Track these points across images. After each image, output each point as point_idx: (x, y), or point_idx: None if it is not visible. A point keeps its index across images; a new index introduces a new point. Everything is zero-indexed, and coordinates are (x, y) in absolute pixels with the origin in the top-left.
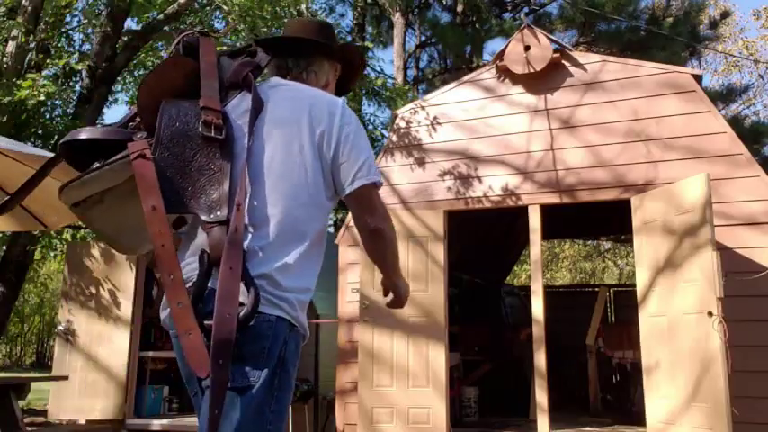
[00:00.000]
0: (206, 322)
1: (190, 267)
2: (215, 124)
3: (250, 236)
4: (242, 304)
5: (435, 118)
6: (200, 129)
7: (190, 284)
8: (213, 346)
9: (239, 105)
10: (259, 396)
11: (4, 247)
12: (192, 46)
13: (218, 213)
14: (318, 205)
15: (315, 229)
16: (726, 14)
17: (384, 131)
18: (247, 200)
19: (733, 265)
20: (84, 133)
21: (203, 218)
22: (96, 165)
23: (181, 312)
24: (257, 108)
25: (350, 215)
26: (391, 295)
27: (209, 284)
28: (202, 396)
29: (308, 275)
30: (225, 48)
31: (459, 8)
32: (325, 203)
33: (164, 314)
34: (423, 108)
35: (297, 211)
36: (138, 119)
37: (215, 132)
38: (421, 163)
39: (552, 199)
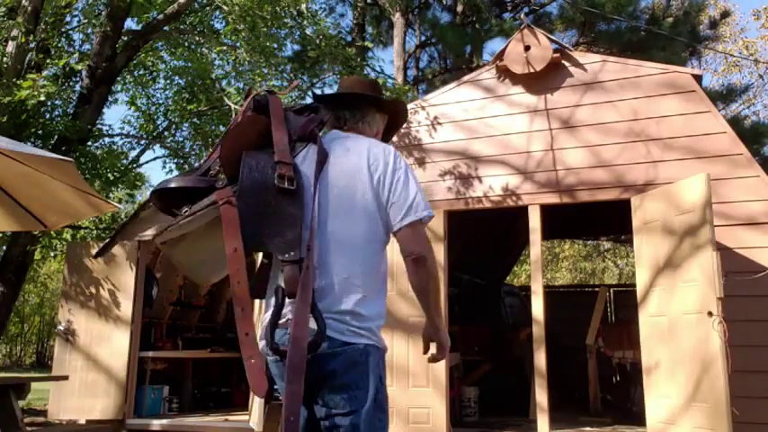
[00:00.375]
0: (281, 348)
1: (269, 302)
2: (287, 176)
3: (320, 275)
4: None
5: (435, 118)
6: (275, 181)
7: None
8: (288, 365)
9: (307, 157)
10: (369, 412)
11: (5, 247)
12: (262, 103)
13: (292, 254)
14: (380, 241)
15: (379, 264)
16: (726, 14)
17: None
18: (317, 242)
19: (733, 265)
20: (174, 182)
21: (279, 257)
22: (185, 209)
23: (246, 342)
24: (322, 160)
25: None
26: (433, 348)
27: (283, 314)
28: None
29: (380, 305)
30: (225, 47)
31: (460, 8)
32: (385, 239)
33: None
34: (423, 108)
35: (363, 251)
36: (216, 167)
37: (287, 184)
38: (421, 163)
39: (552, 199)
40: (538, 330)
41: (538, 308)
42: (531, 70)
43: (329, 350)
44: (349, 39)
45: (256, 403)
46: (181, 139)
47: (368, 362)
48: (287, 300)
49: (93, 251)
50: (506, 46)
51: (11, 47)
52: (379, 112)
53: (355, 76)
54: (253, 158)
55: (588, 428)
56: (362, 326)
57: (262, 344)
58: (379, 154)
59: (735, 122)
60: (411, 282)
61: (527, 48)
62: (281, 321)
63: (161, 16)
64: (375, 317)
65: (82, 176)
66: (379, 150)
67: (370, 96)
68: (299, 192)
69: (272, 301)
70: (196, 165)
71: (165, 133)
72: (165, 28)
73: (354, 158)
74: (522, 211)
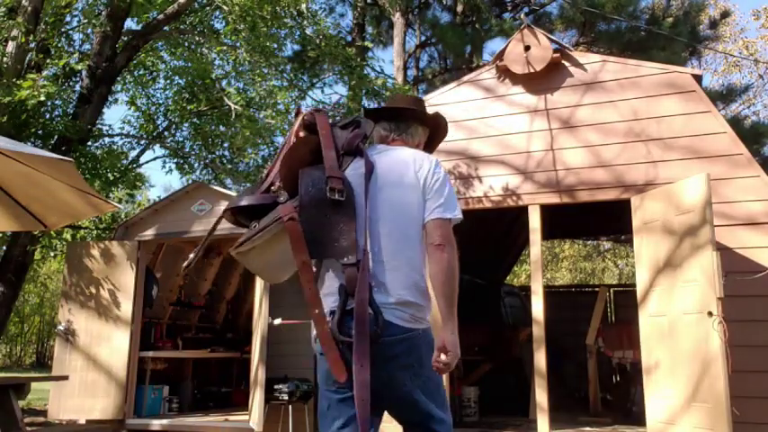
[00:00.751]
0: (347, 339)
1: (329, 301)
2: (338, 189)
3: (380, 272)
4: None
5: None
6: (328, 194)
7: (330, 315)
8: (355, 354)
9: (355, 169)
10: (434, 380)
11: (5, 247)
12: (311, 122)
13: (350, 258)
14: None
15: (424, 257)
16: (726, 14)
17: None
18: (370, 245)
19: (733, 266)
20: (244, 201)
21: (339, 261)
22: (254, 224)
23: (324, 336)
24: (369, 170)
25: None
26: (443, 357)
27: (347, 309)
28: (350, 394)
29: (428, 293)
30: (225, 47)
31: (459, 8)
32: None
33: (312, 337)
34: None
35: (415, 249)
36: (276, 184)
37: (338, 195)
38: None
39: (552, 199)
40: (538, 330)
41: (538, 308)
42: (531, 70)
43: (394, 336)
44: (349, 39)
45: (256, 403)
46: (181, 139)
47: (424, 345)
48: (349, 297)
49: (93, 251)
50: (506, 46)
51: (11, 47)
52: (421, 125)
53: (400, 94)
54: (308, 176)
55: (588, 428)
56: (419, 315)
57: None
58: (423, 161)
59: (735, 122)
60: (431, 271)
61: (527, 48)
62: (345, 316)
63: (161, 16)
64: (427, 305)
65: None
66: (424, 158)
67: (413, 110)
68: (349, 202)
69: (332, 298)
70: (259, 180)
71: (165, 133)
72: (165, 28)
73: (402, 167)
74: (522, 211)
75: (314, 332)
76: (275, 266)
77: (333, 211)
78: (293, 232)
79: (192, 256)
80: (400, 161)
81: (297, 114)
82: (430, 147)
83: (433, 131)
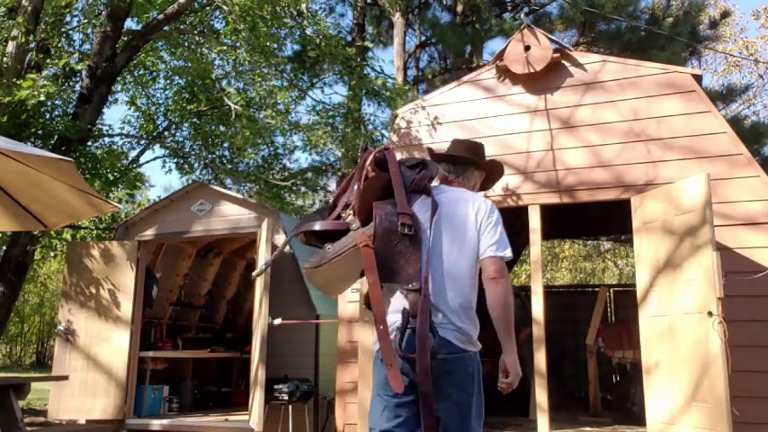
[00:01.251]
0: (409, 355)
1: (391, 319)
2: (408, 224)
3: (440, 299)
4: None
5: (435, 118)
6: (399, 227)
7: (394, 331)
8: (418, 370)
9: (422, 206)
10: (477, 398)
11: (5, 247)
12: (382, 160)
13: (414, 284)
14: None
15: (476, 288)
16: (726, 14)
17: (384, 131)
18: (431, 274)
19: (733, 266)
20: (318, 226)
21: (404, 287)
22: (328, 246)
23: (386, 350)
24: (435, 209)
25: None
26: (509, 377)
27: (409, 329)
28: (422, 412)
29: (477, 320)
30: (225, 47)
31: (459, 8)
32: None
33: (375, 348)
34: (423, 108)
35: (469, 280)
36: (349, 212)
37: (408, 230)
38: None
39: (552, 199)
40: (538, 330)
41: (538, 308)
42: (531, 70)
43: (450, 354)
44: (349, 39)
45: (256, 403)
46: (181, 138)
47: (473, 364)
48: (410, 319)
49: (93, 251)
50: (506, 46)
51: (11, 47)
52: (477, 170)
53: (461, 140)
54: (382, 209)
55: (588, 428)
56: (472, 338)
57: (375, 348)
58: (481, 204)
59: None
60: (489, 301)
61: (527, 48)
62: (407, 333)
63: (161, 16)
64: (474, 330)
65: (82, 176)
66: (481, 201)
67: (471, 159)
68: (417, 235)
69: (395, 317)
70: (328, 205)
71: (165, 133)
72: (165, 28)
73: (462, 209)
74: (522, 211)
75: (377, 345)
76: (335, 283)
77: (402, 243)
78: (368, 258)
79: (262, 266)
80: (460, 202)
81: (365, 150)
82: (485, 186)
83: (488, 174)
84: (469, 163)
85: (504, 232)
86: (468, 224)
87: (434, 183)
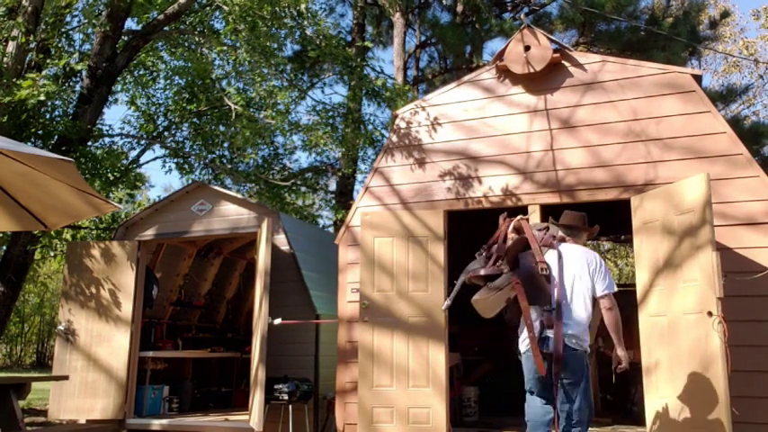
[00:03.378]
0: (545, 351)
1: (535, 325)
2: (544, 268)
3: (566, 318)
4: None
5: (435, 118)
6: (539, 270)
7: (536, 337)
8: (554, 361)
9: (551, 256)
10: (585, 383)
11: (5, 247)
12: (519, 227)
13: (548, 306)
14: (591, 302)
15: (591, 313)
16: (725, 14)
17: (384, 132)
18: (561, 301)
19: (733, 266)
20: (483, 271)
21: (542, 308)
22: (488, 284)
23: (534, 348)
24: (559, 258)
25: (350, 215)
26: (623, 363)
27: (543, 335)
28: (553, 386)
29: (588, 333)
30: (225, 47)
31: (459, 8)
32: (592, 302)
33: (522, 346)
34: (423, 108)
35: (582, 307)
36: (500, 262)
37: (544, 272)
38: (421, 163)
39: (552, 199)
40: None
41: None
42: (531, 70)
43: (570, 352)
44: (349, 39)
45: (256, 403)
46: (181, 138)
47: (584, 359)
48: (545, 330)
49: (94, 251)
50: (506, 46)
51: (11, 47)
52: (584, 231)
53: (571, 212)
54: (524, 259)
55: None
56: (582, 342)
57: (522, 346)
58: (592, 257)
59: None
60: (607, 321)
61: (527, 48)
62: (543, 339)
63: (161, 16)
64: (587, 339)
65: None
66: (592, 256)
67: (582, 226)
68: (550, 275)
69: (535, 325)
70: (481, 255)
71: (166, 133)
72: (166, 28)
73: (578, 258)
74: (522, 212)
75: (525, 346)
76: (493, 309)
77: (540, 281)
78: (519, 290)
79: (448, 302)
80: (577, 254)
81: (504, 219)
82: (587, 240)
83: (590, 234)
84: (580, 228)
85: (610, 275)
86: (582, 269)
87: (561, 242)
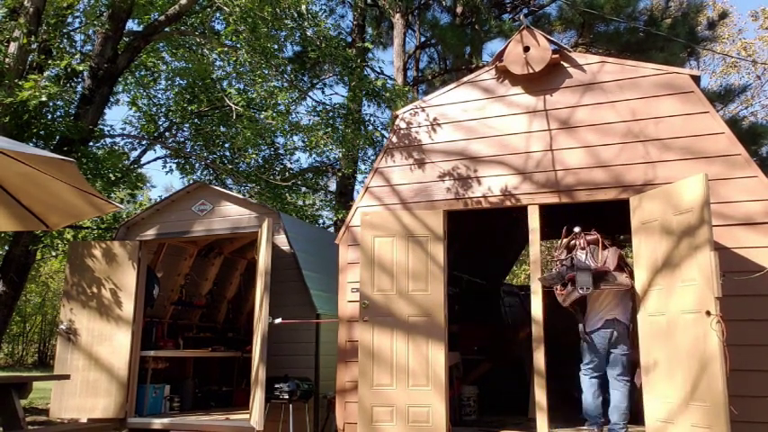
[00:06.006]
0: (605, 331)
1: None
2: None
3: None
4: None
5: (435, 119)
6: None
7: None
8: (610, 339)
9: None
10: (629, 354)
11: (7, 247)
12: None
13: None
14: (630, 305)
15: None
16: (724, 15)
17: (384, 132)
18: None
19: (731, 265)
20: (548, 281)
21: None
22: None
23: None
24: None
25: (350, 215)
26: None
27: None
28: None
29: (629, 318)
30: (226, 48)
31: (459, 9)
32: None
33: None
34: (422, 109)
35: (628, 307)
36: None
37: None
38: (421, 163)
39: (551, 199)
40: (537, 330)
41: (537, 307)
42: (531, 71)
43: (620, 333)
44: (349, 40)
45: (257, 402)
46: (182, 139)
47: (628, 337)
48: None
49: (95, 251)
50: (506, 47)
51: (13, 48)
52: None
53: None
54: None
55: (586, 427)
56: (628, 327)
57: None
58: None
59: (733, 123)
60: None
61: (526, 49)
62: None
63: (162, 17)
64: (629, 324)
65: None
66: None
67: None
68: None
69: (599, 315)
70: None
71: (167, 134)
72: (167, 29)
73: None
74: (522, 211)
75: (582, 328)
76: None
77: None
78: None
79: (578, 293)
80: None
81: (575, 235)
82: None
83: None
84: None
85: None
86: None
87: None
